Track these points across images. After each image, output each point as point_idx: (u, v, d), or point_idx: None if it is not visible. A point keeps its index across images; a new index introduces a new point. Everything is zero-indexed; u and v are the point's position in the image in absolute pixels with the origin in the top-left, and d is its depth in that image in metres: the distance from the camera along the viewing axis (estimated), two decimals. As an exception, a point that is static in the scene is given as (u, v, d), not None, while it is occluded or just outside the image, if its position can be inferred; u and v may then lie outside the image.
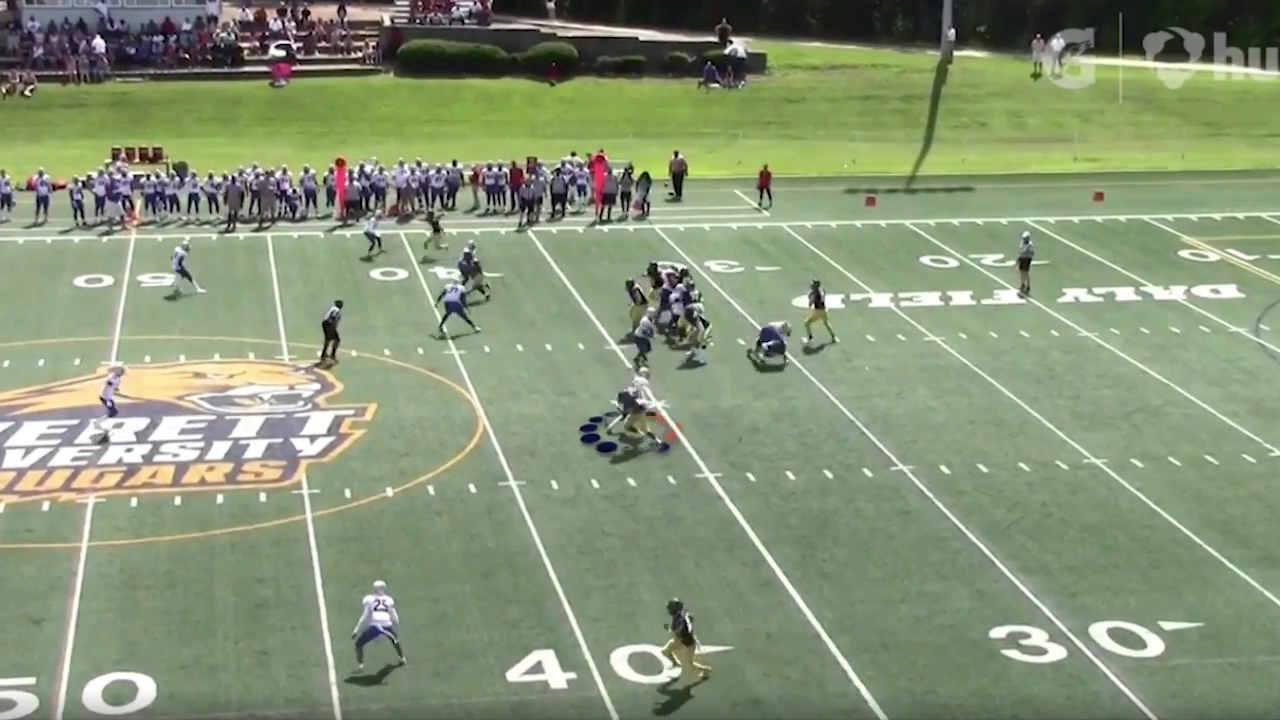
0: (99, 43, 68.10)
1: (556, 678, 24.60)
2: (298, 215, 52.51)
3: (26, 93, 65.82)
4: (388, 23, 73.04)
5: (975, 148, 65.63)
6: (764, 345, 38.84)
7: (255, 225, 51.40)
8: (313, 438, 33.92)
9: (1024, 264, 45.61)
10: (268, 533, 29.41)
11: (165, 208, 52.43)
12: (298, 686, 24.26)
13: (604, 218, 53.35)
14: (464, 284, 42.81)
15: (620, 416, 33.85)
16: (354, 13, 74.49)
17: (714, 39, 73.40)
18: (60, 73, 67.25)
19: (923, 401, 36.66)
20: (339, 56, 71.80)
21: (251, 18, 72.53)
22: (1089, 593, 27.57)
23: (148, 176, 53.38)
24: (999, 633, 26.18)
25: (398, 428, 34.49)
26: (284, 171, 52.85)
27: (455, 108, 68.00)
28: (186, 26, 70.40)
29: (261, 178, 52.33)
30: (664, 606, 24.63)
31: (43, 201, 51.04)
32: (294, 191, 52.66)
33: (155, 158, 58.87)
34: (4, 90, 65.29)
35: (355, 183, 52.64)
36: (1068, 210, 55.45)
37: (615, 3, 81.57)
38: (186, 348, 39.64)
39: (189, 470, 32.11)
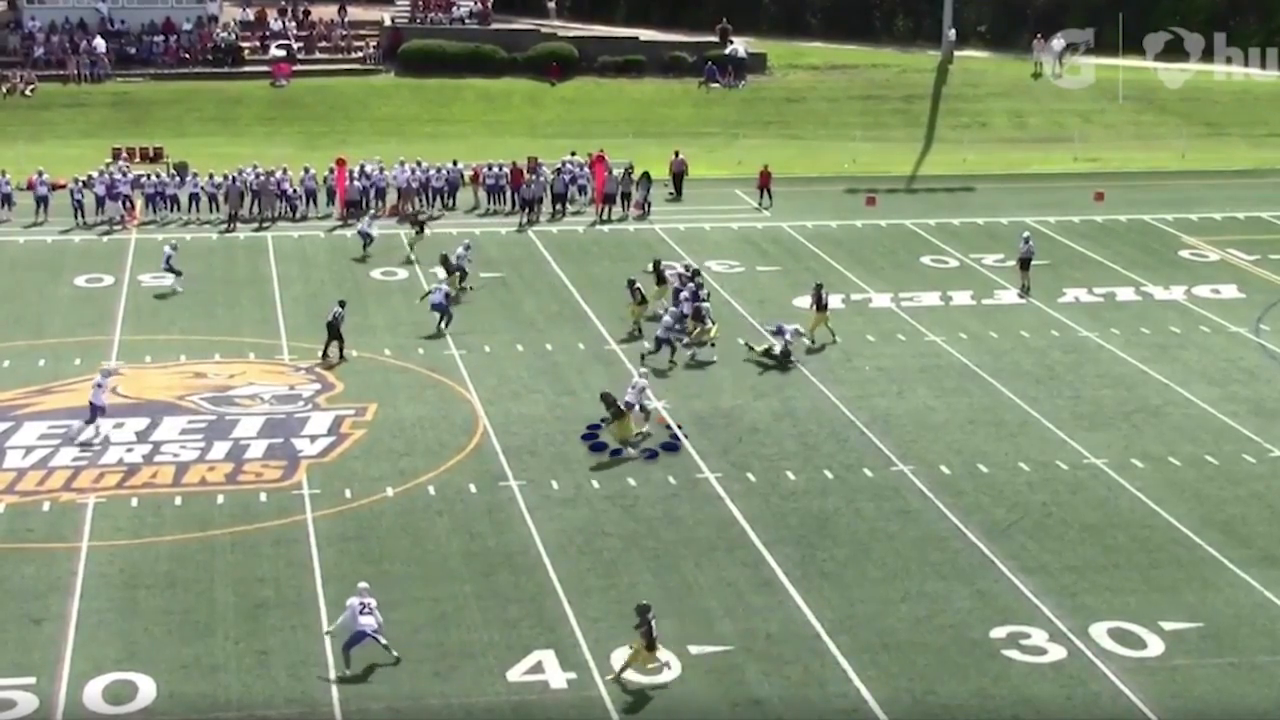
0: (99, 42, 68.12)
1: (556, 678, 24.60)
2: (298, 215, 52.54)
3: (27, 92, 65.84)
4: (388, 22, 73.06)
5: (976, 148, 65.62)
6: (781, 337, 38.81)
7: (256, 225, 51.42)
8: (313, 438, 33.92)
9: (1024, 264, 45.62)
10: (268, 533, 29.42)
11: (166, 207, 52.45)
12: (298, 686, 24.26)
13: (604, 217, 53.36)
14: (462, 277, 43.21)
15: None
16: (354, 12, 74.51)
17: (714, 39, 73.40)
18: (61, 72, 67.28)
19: (923, 401, 36.66)
20: (339, 56, 71.81)
21: (252, 17, 72.55)
22: (1089, 593, 27.57)
23: (148, 176, 53.41)
24: (999, 633, 26.18)
25: (398, 428, 34.50)
26: (284, 171, 52.88)
27: (455, 107, 68.01)
28: (187, 26, 70.41)
29: (262, 177, 52.36)
30: (664, 606, 24.63)
31: (42, 201, 51.05)
32: (294, 191, 52.69)
33: (156, 157, 58.89)
34: (5, 90, 65.31)
35: (355, 182, 52.67)
36: (1068, 210, 55.45)
37: (615, 3, 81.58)
38: (187, 348, 39.64)
39: (189, 470, 32.11)
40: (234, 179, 51.86)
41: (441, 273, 43.93)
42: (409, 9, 73.51)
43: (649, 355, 38.23)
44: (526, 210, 53.02)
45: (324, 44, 72.16)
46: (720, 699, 24.19)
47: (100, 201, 51.52)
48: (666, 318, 38.91)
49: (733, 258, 48.50)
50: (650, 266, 43.54)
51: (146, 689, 24.06)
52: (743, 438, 34.31)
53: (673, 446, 33.49)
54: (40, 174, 51.40)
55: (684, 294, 40.71)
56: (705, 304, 40.27)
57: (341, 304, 39.26)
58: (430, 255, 46.11)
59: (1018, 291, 45.33)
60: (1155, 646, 25.84)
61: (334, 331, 38.44)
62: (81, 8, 69.69)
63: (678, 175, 56.64)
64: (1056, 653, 25.60)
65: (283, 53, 69.62)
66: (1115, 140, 67.83)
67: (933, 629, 26.30)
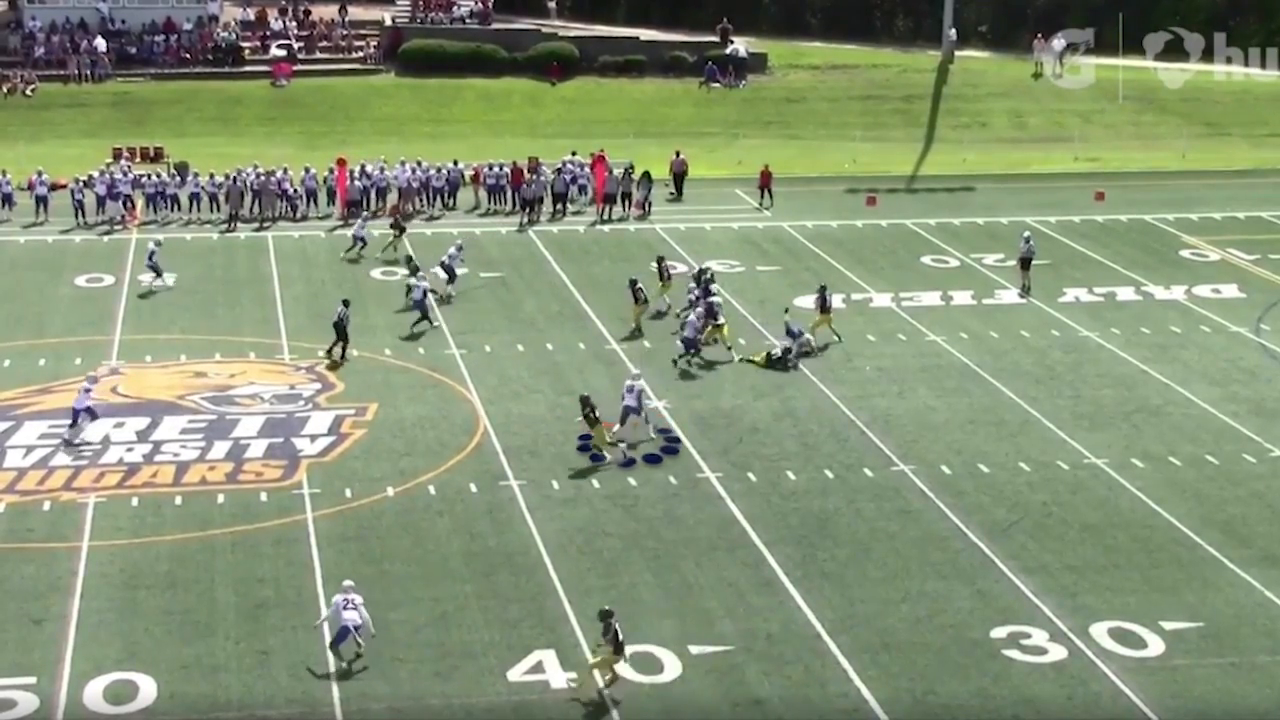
0: (100, 42, 68.09)
1: (557, 677, 24.60)
2: (299, 215, 52.52)
3: (28, 92, 65.81)
4: (389, 22, 73.01)
5: (976, 147, 65.61)
6: (793, 339, 38.99)
7: (256, 225, 51.41)
8: (313, 437, 33.93)
9: (1025, 264, 45.62)
10: (268, 532, 29.42)
11: (166, 207, 52.44)
12: (298, 686, 24.27)
13: (605, 217, 53.36)
14: (450, 280, 43.41)
15: (619, 424, 33.81)
16: (355, 12, 74.46)
17: (715, 39, 73.35)
18: (61, 72, 67.22)
19: (923, 401, 36.67)
20: (340, 56, 71.77)
21: (252, 17, 72.51)
22: (1089, 593, 27.58)
23: (149, 176, 53.40)
24: (999, 633, 26.19)
25: (398, 427, 34.50)
26: (285, 171, 52.86)
27: (456, 107, 67.99)
28: (187, 26, 70.39)
29: (262, 177, 52.35)
30: (665, 606, 24.63)
31: (41, 201, 51.03)
32: (295, 191, 52.67)
33: (156, 157, 58.86)
34: (5, 90, 65.28)
35: (356, 182, 52.66)
36: (1068, 210, 55.45)
37: (616, 2, 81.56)
38: (187, 347, 39.65)
39: (190, 470, 32.12)
40: (234, 179, 51.86)
41: (441, 272, 43.88)
42: (409, 9, 73.49)
43: (680, 358, 38.26)
44: (527, 210, 53.02)
45: (324, 44, 72.13)
46: (721, 699, 24.20)
47: (101, 201, 51.50)
48: (693, 319, 38.94)
49: (733, 258, 48.50)
50: (654, 264, 43.58)
51: (147, 689, 24.08)
52: (743, 438, 34.31)
53: (672, 450, 33.45)
54: (39, 174, 51.39)
55: (694, 292, 40.81)
56: (716, 299, 40.36)
57: (345, 303, 39.28)
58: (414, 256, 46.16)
59: (1018, 291, 45.33)
60: (1156, 646, 25.86)
61: (341, 331, 38.46)
62: (82, 8, 69.66)
63: (678, 175, 56.62)
64: (1057, 653, 25.62)
65: (283, 53, 69.58)
66: (1115, 140, 67.82)
67: (933, 629, 26.31)
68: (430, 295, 41.56)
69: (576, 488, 31.53)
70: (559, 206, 53.78)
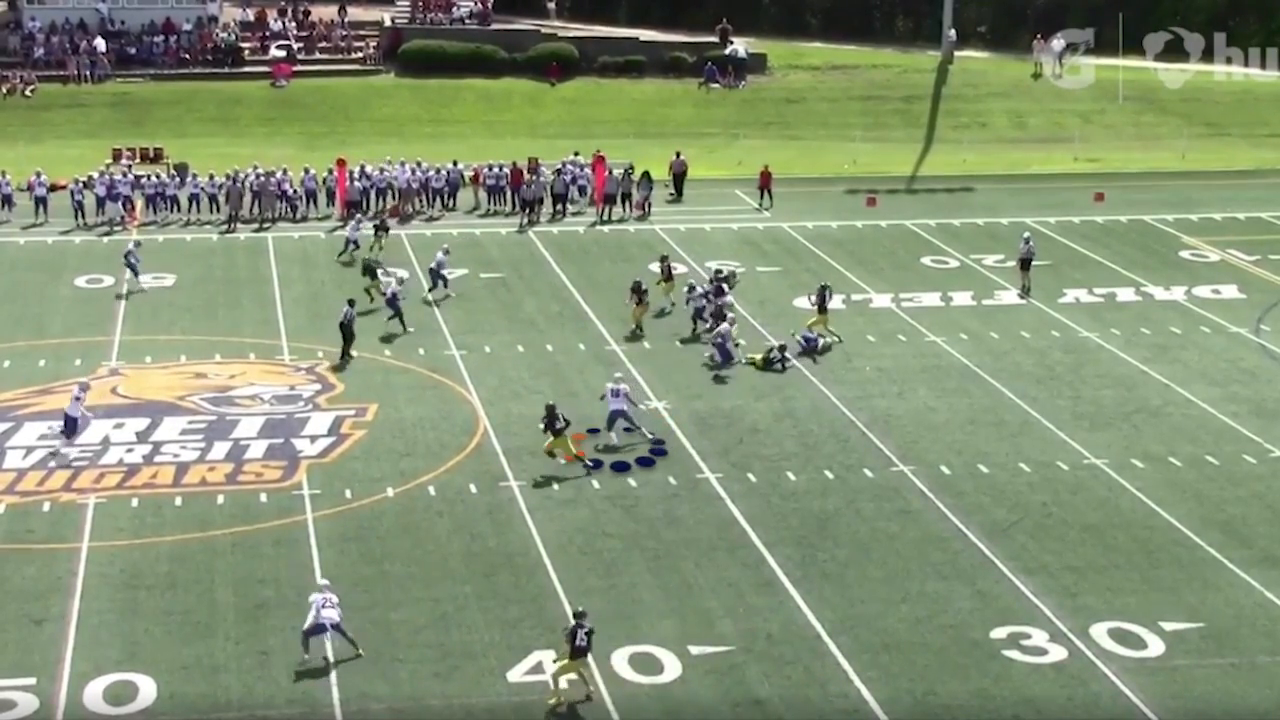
0: (100, 43, 68.12)
1: (557, 678, 24.61)
2: (298, 215, 52.54)
3: (27, 93, 65.83)
4: (388, 23, 73.04)
5: (976, 148, 65.63)
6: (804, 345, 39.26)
7: (256, 225, 51.43)
8: (313, 438, 33.93)
9: (1025, 264, 45.62)
10: (268, 533, 29.42)
11: (166, 208, 52.46)
12: (298, 687, 24.27)
13: (605, 218, 53.37)
14: (433, 286, 43.52)
15: (606, 429, 33.77)
16: (354, 13, 74.50)
17: (714, 39, 73.39)
18: (61, 73, 67.26)
19: (923, 402, 36.67)
20: (339, 57, 71.79)
21: (252, 18, 72.53)
22: (1089, 593, 27.58)
23: (148, 177, 53.41)
24: (1000, 633, 26.19)
25: (398, 428, 34.50)
26: (285, 172, 52.88)
27: (456, 108, 68.00)
28: (187, 27, 70.41)
29: (262, 178, 52.37)
30: (665, 607, 24.60)
31: (41, 202, 51.05)
32: (295, 192, 52.69)
33: (156, 158, 58.87)
34: (5, 90, 65.30)
35: (356, 183, 52.67)
36: (1068, 210, 55.45)
37: (616, 3, 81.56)
38: (187, 348, 39.65)
39: (190, 470, 32.11)
40: (234, 179, 51.86)
41: (401, 273, 44.00)
42: (409, 9, 73.49)
43: (719, 366, 38.27)
44: (527, 211, 53.02)
45: (324, 44, 72.16)
46: (721, 699, 24.20)
47: (100, 202, 51.52)
48: (723, 325, 38.96)
49: (733, 258, 48.47)
50: (658, 263, 43.55)
51: (147, 690, 24.07)
52: (743, 438, 34.31)
53: (660, 451, 33.34)
54: (38, 175, 51.40)
55: (699, 291, 40.96)
56: (728, 298, 40.25)
57: (351, 303, 39.28)
58: (393, 256, 46.09)
59: (1018, 292, 45.33)
60: (1156, 647, 25.85)
61: (347, 332, 38.46)
62: (81, 8, 69.68)
63: (678, 176, 56.63)
64: (1057, 653, 25.61)
65: (283, 53, 69.61)
66: (1115, 140, 67.84)
67: (933, 629, 26.30)
68: (401, 300, 41.07)
69: (576, 488, 31.53)
70: (559, 207, 53.79)
